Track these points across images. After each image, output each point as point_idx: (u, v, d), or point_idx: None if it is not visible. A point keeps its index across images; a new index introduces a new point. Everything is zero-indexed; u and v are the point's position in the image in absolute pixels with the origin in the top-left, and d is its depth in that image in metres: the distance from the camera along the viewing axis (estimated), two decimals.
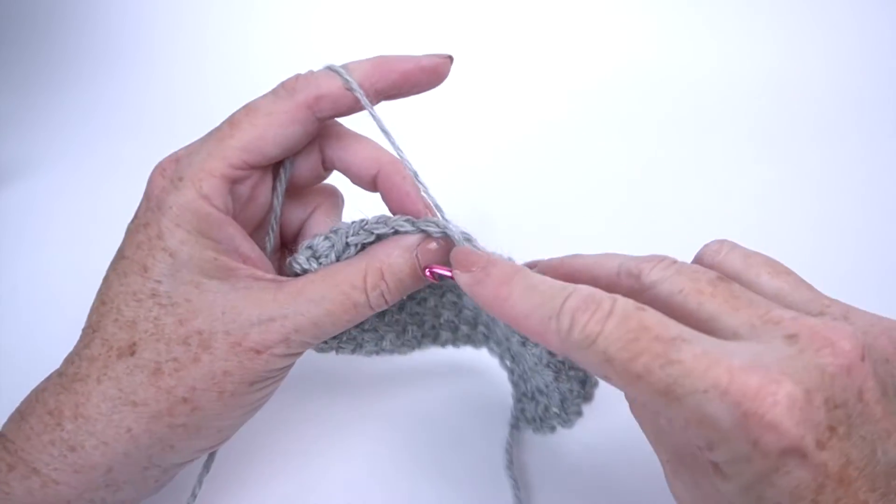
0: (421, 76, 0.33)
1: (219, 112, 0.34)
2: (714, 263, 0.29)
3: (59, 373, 0.31)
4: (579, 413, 0.38)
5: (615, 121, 0.78)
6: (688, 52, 0.85)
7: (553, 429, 0.40)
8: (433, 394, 0.48)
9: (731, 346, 0.23)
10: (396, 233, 0.33)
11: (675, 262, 0.28)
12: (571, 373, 0.36)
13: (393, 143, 0.33)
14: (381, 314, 0.39)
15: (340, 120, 0.36)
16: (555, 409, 0.38)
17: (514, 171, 0.70)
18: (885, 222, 0.65)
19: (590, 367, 0.25)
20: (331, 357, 0.40)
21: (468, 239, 0.32)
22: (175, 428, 0.30)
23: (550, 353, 0.34)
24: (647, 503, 0.41)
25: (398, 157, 0.33)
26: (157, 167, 0.32)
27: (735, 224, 0.63)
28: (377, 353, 0.41)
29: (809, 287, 0.27)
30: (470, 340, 0.43)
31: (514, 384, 0.42)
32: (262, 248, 0.36)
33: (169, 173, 0.32)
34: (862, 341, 0.23)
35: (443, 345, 0.43)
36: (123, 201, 0.51)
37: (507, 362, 0.42)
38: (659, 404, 0.23)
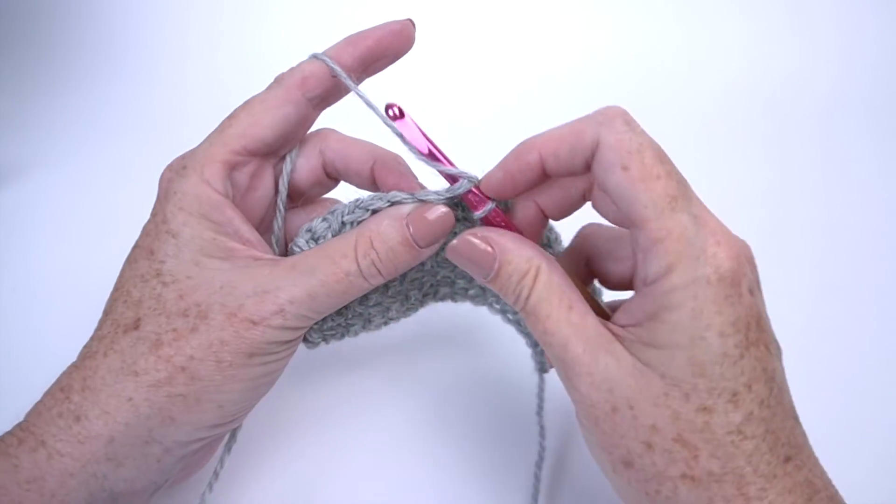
0: (392, 39, 0.36)
1: (224, 113, 0.35)
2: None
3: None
4: None
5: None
6: (685, 49, 0.87)
7: None
8: (453, 359, 0.51)
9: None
10: (392, 206, 0.34)
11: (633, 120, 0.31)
12: None
13: (380, 115, 0.34)
14: (386, 288, 0.39)
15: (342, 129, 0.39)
16: None
17: None
18: (884, 222, 0.67)
19: (617, 151, 0.28)
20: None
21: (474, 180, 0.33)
22: (174, 398, 0.30)
23: None
24: None
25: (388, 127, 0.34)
26: (167, 167, 0.35)
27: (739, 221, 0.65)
28: (385, 323, 0.41)
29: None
30: (467, 295, 0.43)
31: (525, 333, 0.42)
32: (269, 244, 0.37)
33: (175, 166, 0.34)
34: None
35: (442, 299, 0.44)
36: (124, 201, 0.52)
37: (510, 315, 0.43)
38: (656, 209, 0.27)
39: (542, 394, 0.42)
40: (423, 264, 0.40)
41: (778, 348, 0.29)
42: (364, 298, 0.38)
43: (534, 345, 0.41)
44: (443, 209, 0.33)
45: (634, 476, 0.28)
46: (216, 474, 0.36)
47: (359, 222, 0.34)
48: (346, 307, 0.38)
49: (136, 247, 0.34)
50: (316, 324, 0.36)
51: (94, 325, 0.33)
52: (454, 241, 0.33)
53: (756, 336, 0.27)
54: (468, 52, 0.84)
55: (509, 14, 0.87)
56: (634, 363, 0.28)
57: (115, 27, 0.84)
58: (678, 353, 0.27)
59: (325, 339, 0.38)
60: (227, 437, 0.37)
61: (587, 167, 0.30)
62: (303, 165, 0.38)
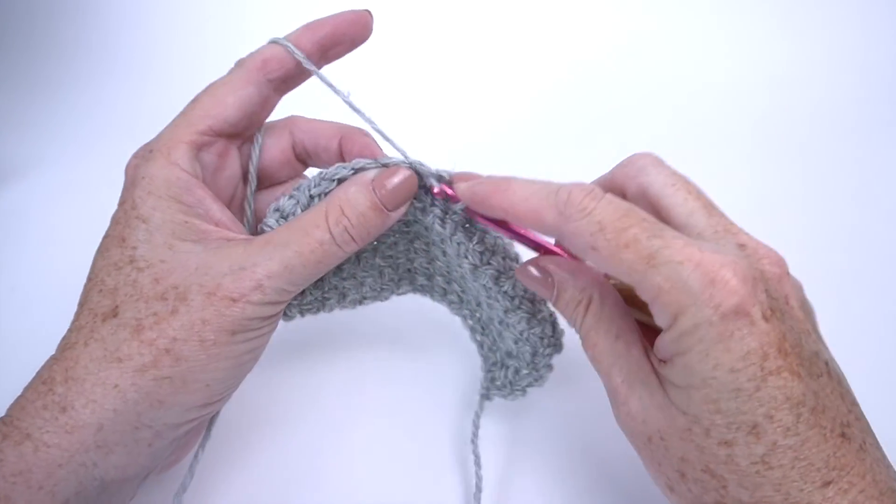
0: (348, 27, 0.37)
1: None
2: (639, 178, 0.33)
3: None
4: (549, 367, 0.39)
5: (609, 113, 0.77)
6: (679, 46, 0.85)
7: (524, 392, 0.40)
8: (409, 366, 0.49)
9: (698, 241, 0.28)
10: (357, 174, 0.34)
11: (661, 160, 0.34)
12: (542, 314, 0.37)
13: (342, 97, 0.36)
14: (357, 260, 0.40)
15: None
16: (525, 371, 0.39)
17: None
18: (882, 221, 0.65)
19: (580, 237, 0.28)
20: (327, 327, 0.40)
21: (442, 176, 0.34)
22: (160, 381, 0.30)
23: (525, 294, 0.36)
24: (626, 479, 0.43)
25: (354, 111, 0.37)
26: (132, 155, 0.35)
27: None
28: (360, 301, 0.42)
29: (720, 213, 0.32)
30: (445, 298, 0.44)
31: (484, 357, 0.43)
32: (241, 221, 0.37)
33: (141, 153, 0.35)
34: (785, 264, 0.30)
35: (421, 290, 0.44)
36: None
37: (478, 336, 0.43)
38: (638, 273, 0.27)
39: (478, 420, 0.42)
40: (396, 243, 0.41)
41: (813, 366, 0.28)
42: (338, 270, 0.39)
43: (487, 369, 0.42)
44: (406, 171, 0.34)
45: (678, 500, 0.30)
46: (202, 447, 0.36)
47: (326, 194, 0.34)
48: (321, 280, 0.38)
49: (105, 236, 0.34)
50: (295, 299, 0.36)
51: None
52: (524, 266, 0.35)
53: (776, 364, 0.26)
54: (471, 50, 0.83)
55: (514, 14, 0.88)
56: (664, 397, 0.29)
57: (107, 28, 0.84)
58: (694, 392, 0.27)
59: (301, 313, 0.39)
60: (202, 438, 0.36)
61: None
62: (272, 146, 0.39)
